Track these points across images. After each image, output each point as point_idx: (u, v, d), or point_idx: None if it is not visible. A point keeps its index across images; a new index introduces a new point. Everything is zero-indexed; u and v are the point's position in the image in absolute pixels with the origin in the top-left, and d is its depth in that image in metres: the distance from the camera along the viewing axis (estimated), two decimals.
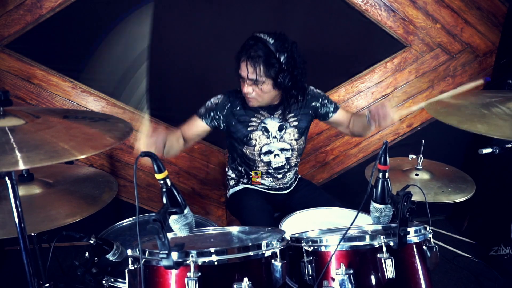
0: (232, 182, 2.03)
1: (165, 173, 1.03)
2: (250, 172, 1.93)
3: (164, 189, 1.04)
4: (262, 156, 1.85)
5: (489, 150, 1.48)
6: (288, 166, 1.92)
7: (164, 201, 1.04)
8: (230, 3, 2.35)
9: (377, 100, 2.76)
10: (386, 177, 1.12)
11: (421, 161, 1.81)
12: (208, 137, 2.59)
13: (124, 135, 1.08)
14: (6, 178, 0.94)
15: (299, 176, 2.11)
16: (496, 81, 2.79)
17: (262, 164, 1.88)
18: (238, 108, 1.81)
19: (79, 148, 0.92)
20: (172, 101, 2.52)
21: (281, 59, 1.61)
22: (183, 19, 2.33)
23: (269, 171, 1.90)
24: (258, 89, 1.68)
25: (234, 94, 1.83)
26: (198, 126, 1.83)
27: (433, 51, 2.69)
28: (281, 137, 1.84)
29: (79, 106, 2.39)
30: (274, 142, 1.84)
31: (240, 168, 1.98)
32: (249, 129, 1.81)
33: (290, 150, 1.87)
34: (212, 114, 1.81)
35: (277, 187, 1.97)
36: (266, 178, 1.93)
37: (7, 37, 2.19)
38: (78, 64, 2.32)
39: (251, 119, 1.81)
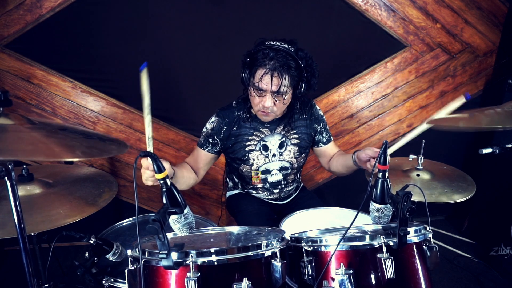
0: (230, 185, 2.03)
1: (165, 173, 1.03)
2: (248, 181, 1.86)
3: (164, 189, 1.04)
4: (259, 174, 1.79)
5: (489, 150, 1.48)
6: (285, 182, 1.86)
7: (164, 201, 1.04)
8: (231, 4, 2.35)
9: (377, 100, 2.76)
10: (386, 177, 1.11)
11: (422, 161, 1.81)
12: None
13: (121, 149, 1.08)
14: (6, 178, 0.94)
15: (302, 185, 2.07)
16: (496, 81, 2.80)
17: (258, 181, 1.82)
18: (235, 128, 1.71)
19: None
20: (173, 102, 2.52)
21: (303, 66, 1.53)
22: (184, 19, 2.33)
23: (265, 186, 1.85)
24: (280, 102, 1.55)
25: (228, 113, 1.71)
26: (202, 156, 1.75)
27: (433, 51, 2.69)
28: (281, 155, 1.76)
29: (79, 106, 2.40)
30: (273, 161, 1.77)
31: (236, 181, 1.95)
32: (247, 149, 1.73)
33: (289, 169, 1.81)
34: (210, 140, 1.73)
35: (275, 197, 1.92)
36: (261, 192, 1.88)
37: (7, 37, 2.19)
38: (78, 64, 2.32)
39: (249, 138, 1.72)
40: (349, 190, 2.74)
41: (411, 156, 1.85)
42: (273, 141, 1.74)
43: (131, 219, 1.69)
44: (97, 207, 1.34)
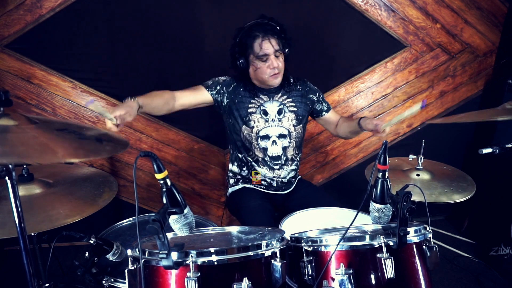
0: (231, 181, 2.03)
1: (165, 173, 1.03)
2: (252, 170, 1.94)
3: (164, 189, 1.04)
4: (259, 139, 1.88)
5: (489, 150, 1.48)
6: (285, 158, 1.92)
7: (164, 201, 1.04)
8: (230, 3, 2.35)
9: (377, 100, 2.76)
10: (386, 177, 1.12)
11: (421, 161, 1.81)
12: (208, 137, 2.62)
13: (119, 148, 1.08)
14: (6, 178, 0.94)
15: (300, 177, 2.10)
16: (496, 81, 2.80)
17: (258, 150, 1.90)
18: (241, 89, 1.88)
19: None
20: None
21: (281, 31, 1.79)
22: (185, 18, 2.33)
23: (265, 158, 1.91)
24: (281, 60, 1.79)
25: (240, 77, 1.89)
26: (202, 95, 1.87)
27: (433, 51, 2.69)
28: (280, 121, 1.88)
29: (79, 106, 2.40)
30: (273, 126, 1.87)
31: (240, 156, 1.97)
32: (249, 110, 1.87)
33: (288, 137, 1.90)
34: (218, 87, 1.87)
35: (275, 185, 1.96)
36: (262, 167, 1.93)
37: (7, 37, 2.19)
38: (78, 64, 2.32)
39: (251, 101, 1.87)
40: (349, 190, 2.74)
41: (411, 156, 1.85)
42: (272, 107, 1.88)
43: (131, 219, 1.69)
44: (97, 207, 1.34)
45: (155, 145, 2.57)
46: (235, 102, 1.87)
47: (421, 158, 1.81)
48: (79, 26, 2.25)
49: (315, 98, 1.98)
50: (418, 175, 1.80)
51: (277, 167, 1.93)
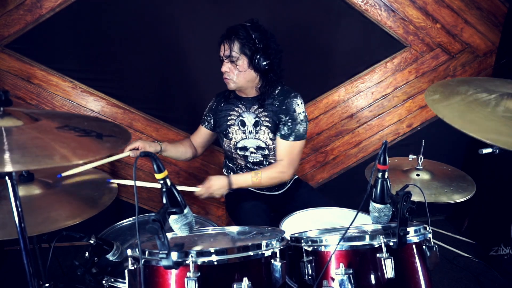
0: None
1: (165, 173, 1.03)
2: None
3: (164, 189, 1.04)
4: (238, 150, 1.90)
5: (489, 150, 1.47)
6: (267, 163, 1.91)
7: (164, 201, 1.04)
8: (230, 3, 2.35)
9: (377, 100, 2.76)
10: (386, 177, 1.12)
11: (421, 161, 1.81)
12: None
13: (120, 143, 1.08)
14: (7, 178, 0.94)
15: (297, 177, 2.10)
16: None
17: (239, 158, 1.93)
18: (222, 104, 1.94)
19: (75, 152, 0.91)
20: (174, 102, 2.52)
21: (255, 37, 1.70)
22: (185, 18, 2.33)
23: (248, 165, 1.93)
24: (234, 67, 1.74)
25: (222, 93, 1.96)
26: (202, 132, 2.04)
27: (433, 51, 2.69)
28: (257, 133, 1.86)
29: (79, 106, 2.40)
30: (250, 138, 1.87)
31: (229, 164, 2.04)
32: (228, 123, 1.91)
33: (266, 150, 1.87)
34: (206, 117, 2.01)
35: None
36: (245, 172, 1.92)
37: (7, 37, 2.19)
38: (78, 64, 2.32)
39: (230, 112, 1.90)
40: (349, 190, 2.74)
41: (411, 156, 1.85)
42: (249, 118, 1.87)
43: (131, 219, 1.69)
44: (98, 208, 1.34)
45: None
46: (217, 120, 1.95)
47: (421, 158, 1.81)
48: (79, 26, 2.24)
49: (283, 119, 1.79)
50: (418, 175, 1.80)
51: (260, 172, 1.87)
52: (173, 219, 1.06)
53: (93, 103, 2.41)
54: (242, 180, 1.82)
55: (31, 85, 2.31)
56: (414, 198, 1.10)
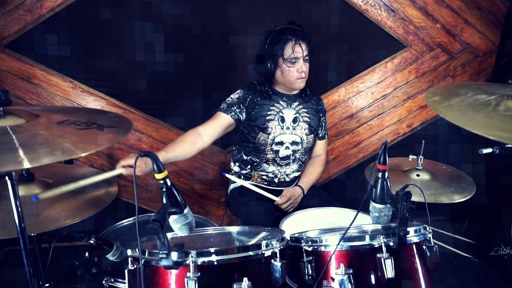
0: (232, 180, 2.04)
1: (165, 173, 1.03)
2: (253, 169, 1.99)
3: (164, 189, 1.04)
4: (273, 145, 1.93)
5: (489, 150, 1.47)
6: (293, 158, 1.99)
7: (164, 201, 1.04)
8: (232, 3, 2.35)
9: (377, 100, 2.76)
10: (386, 177, 1.12)
11: (421, 162, 1.81)
12: None
13: (123, 133, 1.07)
14: (7, 178, 0.94)
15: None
16: (496, 81, 2.79)
17: (271, 152, 1.95)
18: (258, 98, 1.92)
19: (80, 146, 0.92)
20: (174, 102, 2.52)
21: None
22: (185, 19, 2.33)
23: (276, 159, 1.97)
24: (307, 65, 1.87)
25: (251, 87, 1.95)
26: (225, 120, 1.89)
27: (433, 51, 2.69)
28: (294, 129, 1.94)
29: (79, 106, 2.39)
30: (287, 134, 1.93)
31: (246, 158, 2.01)
32: (268, 117, 1.91)
33: (300, 144, 1.96)
34: (234, 108, 1.90)
35: (276, 181, 2.00)
36: (270, 165, 1.98)
37: (7, 37, 2.19)
38: (78, 64, 2.32)
39: (270, 108, 1.91)
40: (349, 190, 2.74)
41: (411, 156, 1.85)
42: (289, 114, 1.94)
43: (131, 219, 1.69)
44: (98, 208, 1.34)
45: (155, 145, 2.57)
46: (253, 113, 1.91)
47: (421, 158, 1.81)
48: (79, 26, 2.24)
49: (321, 119, 2.06)
50: (418, 175, 1.80)
51: (284, 163, 1.98)
52: (173, 219, 1.06)
53: (93, 103, 2.41)
54: (309, 184, 2.03)
55: (31, 85, 2.31)
56: (414, 198, 1.10)
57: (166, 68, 2.42)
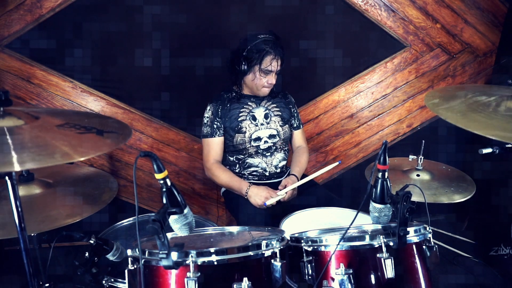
0: None
1: (165, 173, 1.03)
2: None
3: (164, 189, 1.04)
4: (252, 142, 2.01)
5: (489, 150, 1.48)
6: (275, 148, 2.06)
7: (164, 201, 1.04)
8: (230, 4, 2.35)
9: (377, 100, 2.76)
10: (386, 177, 1.12)
11: (421, 162, 1.81)
12: None
13: (121, 138, 1.07)
14: (6, 178, 0.94)
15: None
16: (496, 81, 2.79)
17: (252, 148, 2.02)
18: (228, 105, 2.01)
19: (76, 150, 0.92)
20: (174, 102, 2.52)
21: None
22: (185, 18, 2.33)
23: (258, 151, 2.04)
24: (276, 79, 1.96)
25: (218, 98, 2.04)
26: (216, 144, 2.01)
27: (433, 51, 2.69)
28: (268, 123, 2.04)
29: (79, 106, 2.40)
30: (262, 129, 2.02)
31: (231, 159, 2.06)
32: (239, 119, 2.00)
33: (277, 136, 2.05)
34: (214, 125, 1.99)
35: (267, 174, 2.03)
36: (255, 157, 2.04)
37: (7, 37, 2.19)
38: (78, 64, 2.32)
39: (241, 110, 2.01)
40: (349, 190, 2.74)
41: (411, 157, 1.85)
42: (259, 112, 2.04)
43: (131, 219, 1.69)
44: (97, 207, 1.34)
45: (155, 145, 2.57)
46: (227, 119, 2.00)
47: (421, 158, 1.81)
48: (79, 26, 2.24)
49: (292, 110, 2.16)
50: (418, 175, 1.80)
51: (268, 154, 2.05)
52: (173, 219, 1.06)
53: (93, 103, 2.41)
54: (301, 171, 2.11)
55: (31, 85, 2.31)
56: (414, 198, 1.10)
57: (167, 68, 2.42)
